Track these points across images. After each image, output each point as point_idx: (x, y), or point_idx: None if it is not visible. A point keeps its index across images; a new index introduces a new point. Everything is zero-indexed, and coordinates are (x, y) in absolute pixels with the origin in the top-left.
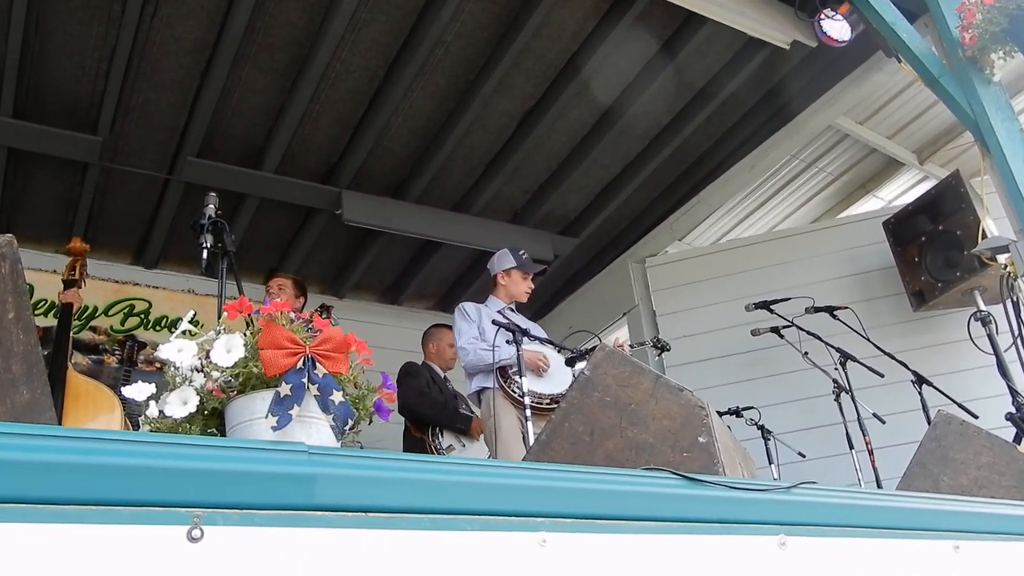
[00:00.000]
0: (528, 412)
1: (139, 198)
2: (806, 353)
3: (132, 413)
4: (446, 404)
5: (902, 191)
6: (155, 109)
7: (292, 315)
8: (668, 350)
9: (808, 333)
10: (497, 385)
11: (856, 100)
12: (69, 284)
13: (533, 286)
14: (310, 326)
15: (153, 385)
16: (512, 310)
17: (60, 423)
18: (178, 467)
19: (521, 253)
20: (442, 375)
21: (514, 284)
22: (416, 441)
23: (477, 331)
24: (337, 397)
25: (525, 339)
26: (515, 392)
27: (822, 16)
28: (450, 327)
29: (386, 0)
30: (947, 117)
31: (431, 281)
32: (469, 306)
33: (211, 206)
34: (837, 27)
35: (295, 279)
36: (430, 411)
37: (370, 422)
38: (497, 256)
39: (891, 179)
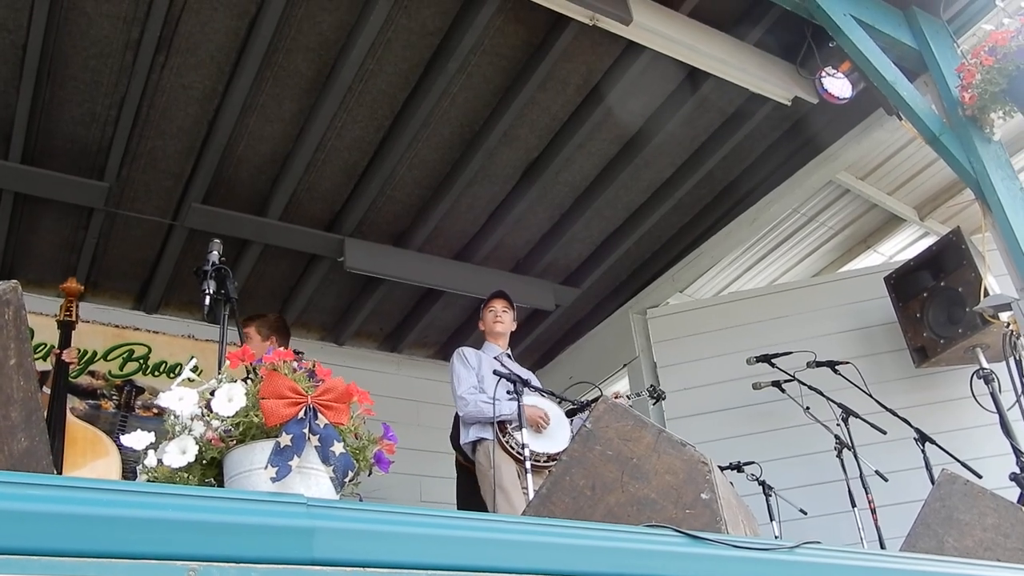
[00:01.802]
0: (528, 466)
1: (143, 243)
2: (808, 408)
3: (129, 461)
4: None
5: (903, 247)
6: (162, 156)
7: (295, 364)
8: (664, 399)
9: (810, 388)
10: (495, 438)
11: (857, 156)
12: (65, 326)
13: (501, 316)
14: (312, 375)
15: (152, 434)
16: (509, 356)
17: (58, 470)
18: (174, 518)
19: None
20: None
21: (485, 323)
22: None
23: (476, 378)
24: (338, 448)
25: (525, 390)
26: (513, 448)
27: (823, 73)
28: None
29: (394, 52)
30: (947, 174)
31: (432, 329)
32: (469, 352)
33: (215, 252)
34: (838, 85)
35: (260, 321)
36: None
37: (369, 473)
38: None
39: (892, 235)
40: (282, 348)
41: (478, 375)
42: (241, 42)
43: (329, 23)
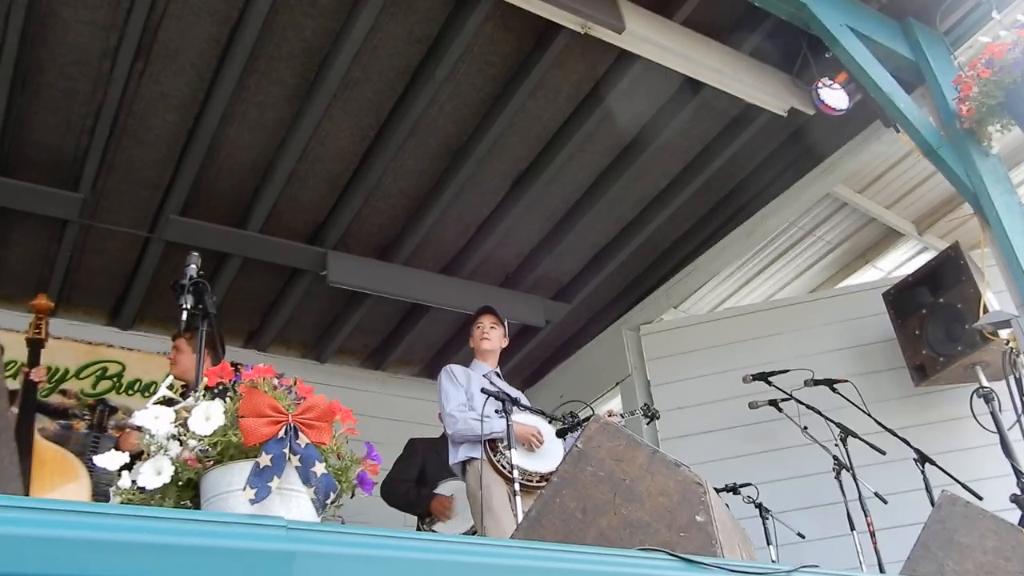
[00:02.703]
0: (517, 486)
1: (118, 256)
2: (805, 428)
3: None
4: (407, 493)
5: (901, 262)
6: (139, 166)
7: (275, 381)
8: (658, 418)
9: (807, 407)
10: (485, 457)
11: (854, 169)
12: (34, 344)
13: (489, 332)
14: (293, 392)
15: (126, 454)
16: (498, 375)
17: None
18: (149, 542)
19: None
20: None
21: (473, 339)
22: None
23: (465, 396)
24: (319, 469)
25: (515, 408)
26: (504, 467)
27: (820, 84)
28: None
29: (380, 59)
30: (946, 187)
31: (418, 346)
32: (457, 369)
33: (193, 266)
34: (835, 96)
35: (192, 333)
36: (395, 503)
37: (352, 495)
38: None
39: (890, 249)
40: (212, 364)
41: (467, 393)
42: (222, 49)
43: (313, 29)
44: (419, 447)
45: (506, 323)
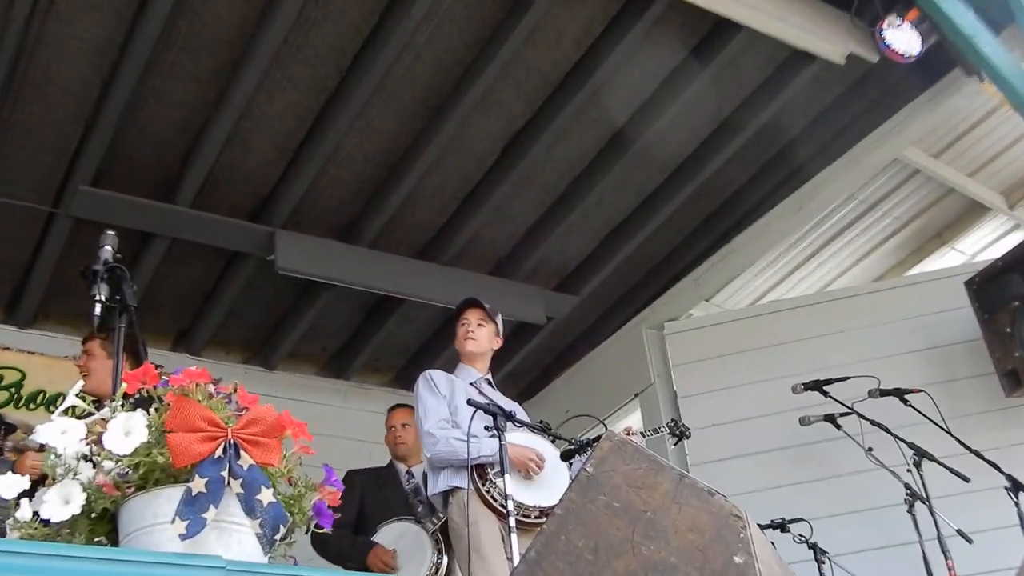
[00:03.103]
0: (512, 522)
1: (14, 237)
2: (870, 449)
3: None
4: (340, 542)
5: (987, 242)
6: (41, 125)
7: (211, 388)
8: (687, 437)
9: (872, 423)
10: (472, 487)
11: (929, 128)
12: None
13: (475, 331)
14: (233, 401)
15: (26, 478)
16: (489, 383)
17: None
18: None
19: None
20: (404, 469)
21: (457, 340)
22: None
23: (448, 410)
24: (266, 496)
25: (510, 425)
26: (495, 499)
27: (885, 25)
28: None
29: None
30: None
31: (388, 349)
32: (439, 376)
33: (108, 248)
34: (903, 38)
35: (108, 335)
36: (327, 555)
37: (307, 530)
38: None
39: (973, 227)
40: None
41: (450, 406)
42: None
43: None
44: (357, 481)
45: (498, 320)
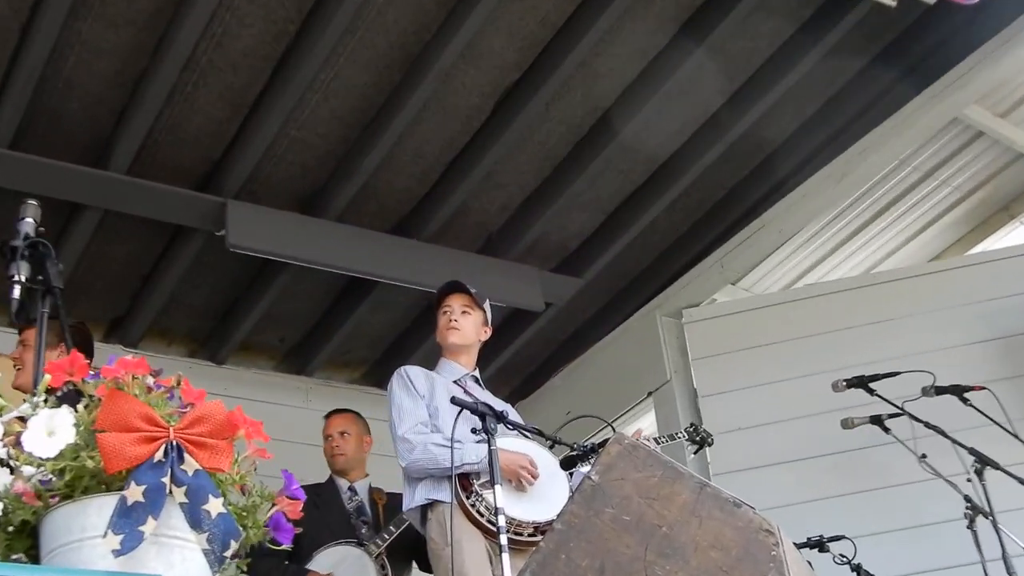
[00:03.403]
0: (503, 541)
1: None
2: (924, 456)
3: None
4: (271, 573)
5: None
6: None
7: (150, 380)
8: (710, 444)
9: (927, 425)
10: (455, 500)
11: (994, 83)
12: None
13: (459, 319)
14: (176, 397)
15: None
16: (476, 380)
17: None
18: None
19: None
20: (346, 485)
21: (439, 331)
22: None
23: (427, 412)
24: (215, 507)
25: (500, 427)
26: (481, 514)
27: None
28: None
29: None
30: None
31: (358, 340)
32: (416, 373)
33: (29, 220)
34: None
35: (49, 324)
36: None
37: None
38: None
39: None
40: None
41: (430, 407)
42: None
43: None
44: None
45: (487, 307)
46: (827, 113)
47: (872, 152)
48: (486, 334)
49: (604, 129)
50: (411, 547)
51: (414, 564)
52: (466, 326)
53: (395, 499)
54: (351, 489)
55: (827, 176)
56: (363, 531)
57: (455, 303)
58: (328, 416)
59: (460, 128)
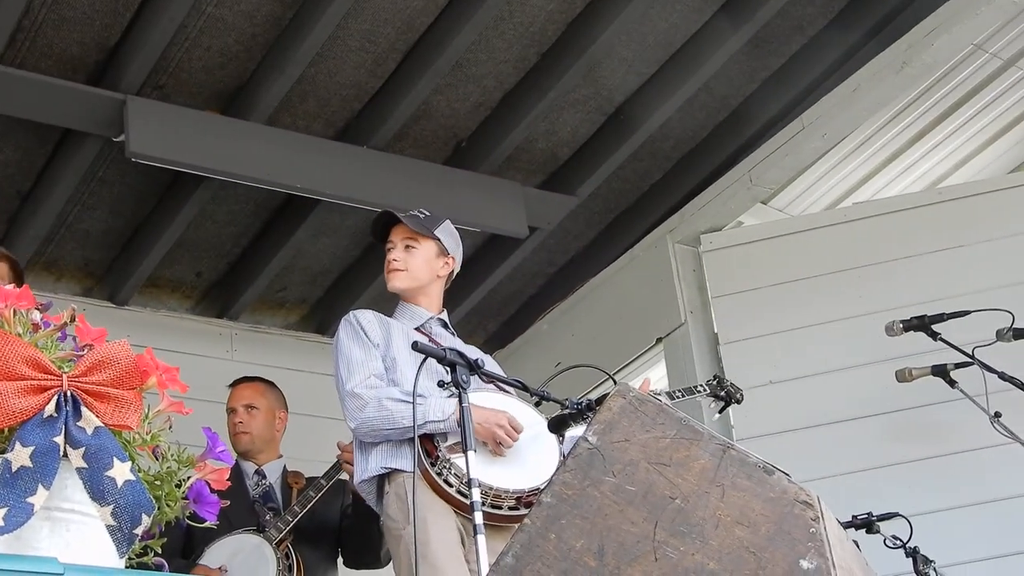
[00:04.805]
0: (478, 520)
1: None
2: (998, 415)
3: None
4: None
5: None
6: None
7: (37, 315)
8: (739, 401)
9: (1002, 377)
10: (418, 468)
11: None
12: None
13: (401, 257)
14: (68, 336)
15: None
16: (444, 325)
17: None
18: None
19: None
20: (252, 469)
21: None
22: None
23: (382, 364)
24: (121, 473)
25: (473, 379)
26: (450, 484)
27: None
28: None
29: None
30: None
31: (296, 275)
32: (368, 318)
33: None
34: None
35: (8, 258)
36: None
37: (181, 522)
38: None
39: None
40: None
41: (386, 358)
42: None
43: None
44: None
45: (443, 232)
46: None
47: (938, 36)
48: (446, 267)
49: (604, 7)
50: (331, 532)
51: (338, 557)
52: (414, 264)
53: (316, 485)
54: (258, 473)
55: (884, 65)
56: (267, 517)
57: (396, 237)
58: (232, 385)
59: (422, 4)
